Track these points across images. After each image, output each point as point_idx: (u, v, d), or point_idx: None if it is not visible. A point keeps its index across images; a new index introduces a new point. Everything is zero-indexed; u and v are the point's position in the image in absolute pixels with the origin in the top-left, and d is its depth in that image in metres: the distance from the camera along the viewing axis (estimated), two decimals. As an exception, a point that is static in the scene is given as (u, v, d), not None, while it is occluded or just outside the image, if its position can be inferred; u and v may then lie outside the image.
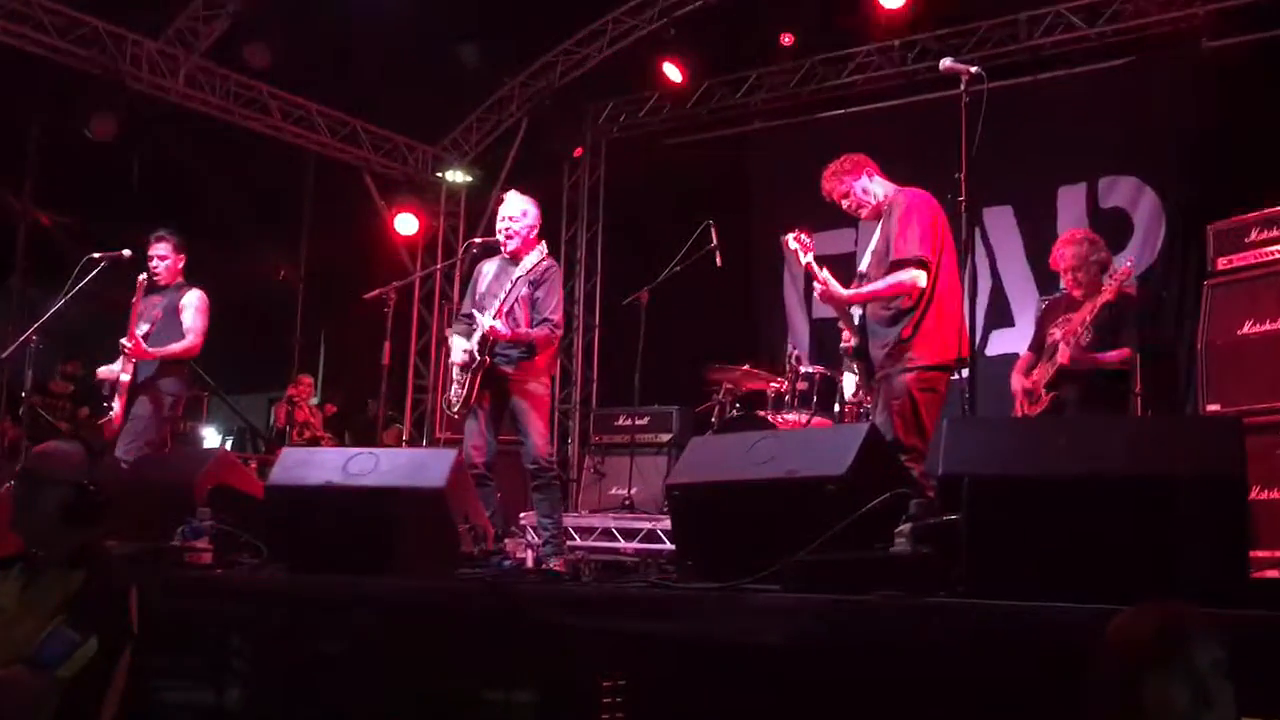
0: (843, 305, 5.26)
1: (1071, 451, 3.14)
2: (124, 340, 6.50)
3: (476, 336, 5.83)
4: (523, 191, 6.20)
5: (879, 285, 5.08)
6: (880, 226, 5.26)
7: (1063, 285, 6.04)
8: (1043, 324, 6.05)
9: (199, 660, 4.62)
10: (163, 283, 6.81)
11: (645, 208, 10.81)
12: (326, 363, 14.97)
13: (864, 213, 5.34)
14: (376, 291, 6.55)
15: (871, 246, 5.33)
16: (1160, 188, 8.73)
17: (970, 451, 3.29)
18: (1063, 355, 5.58)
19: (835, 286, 5.18)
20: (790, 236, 5.34)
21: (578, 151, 11.87)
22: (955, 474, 3.20)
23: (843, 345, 5.38)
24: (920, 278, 4.99)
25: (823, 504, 3.48)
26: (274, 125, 10.87)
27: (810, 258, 5.28)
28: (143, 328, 6.57)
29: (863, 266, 5.34)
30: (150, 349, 6.55)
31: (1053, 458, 3.16)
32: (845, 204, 5.34)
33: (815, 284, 5.24)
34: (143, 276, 6.69)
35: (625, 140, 11.72)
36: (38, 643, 2.92)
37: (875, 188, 5.29)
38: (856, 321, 5.28)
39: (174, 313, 6.74)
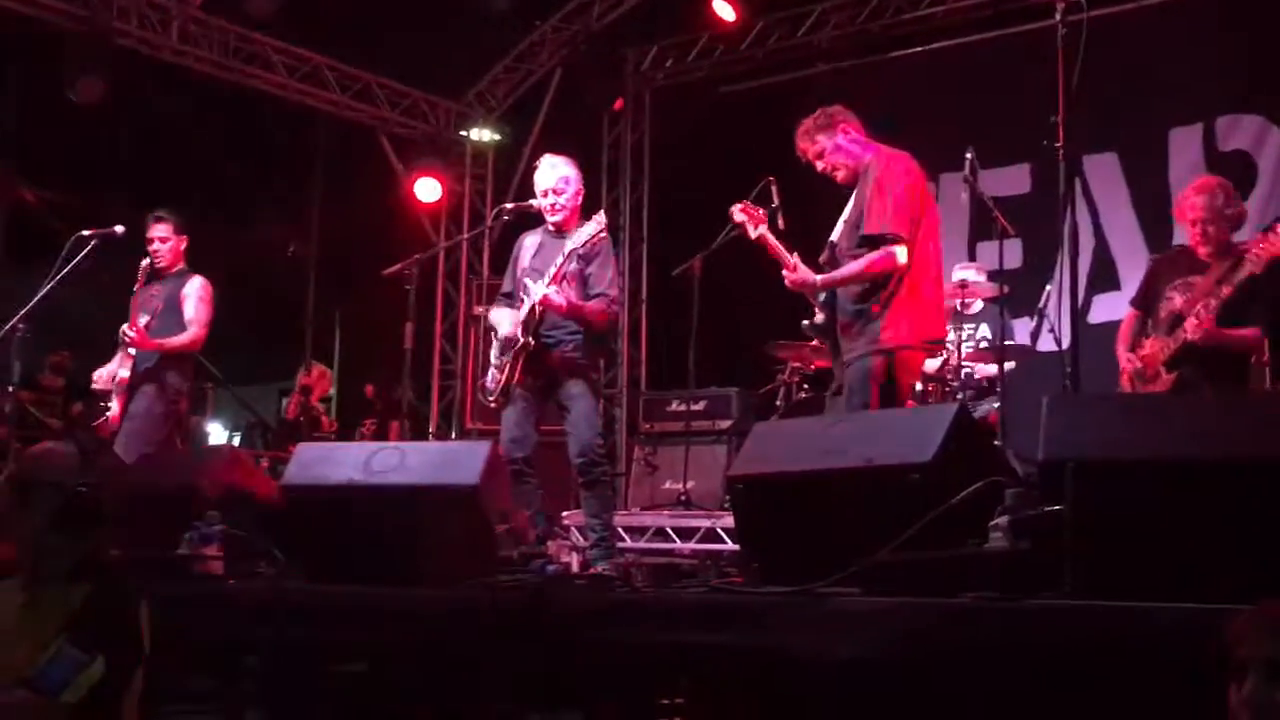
0: (813, 291, 5.32)
1: (1192, 432, 3.11)
2: (125, 328, 6.60)
3: (522, 313, 5.83)
4: (558, 152, 6.19)
5: (856, 267, 5.15)
6: (855, 193, 5.33)
7: (1185, 240, 5.85)
8: (1154, 282, 5.87)
9: (209, 682, 4.69)
10: (163, 266, 6.91)
11: (696, 165, 10.79)
12: (342, 348, 15.10)
13: (840, 175, 5.40)
14: (397, 267, 6.58)
15: (845, 215, 5.39)
16: (1289, 127, 8.59)
17: (1075, 433, 3.26)
18: (1192, 330, 5.41)
19: (806, 271, 5.26)
20: (736, 208, 5.39)
21: (618, 103, 11.85)
22: (1058, 459, 3.18)
23: (806, 322, 5.48)
24: (899, 254, 5.06)
25: (906, 496, 3.47)
26: (279, 83, 10.95)
27: (763, 230, 5.39)
28: (143, 319, 6.69)
29: (834, 235, 5.41)
30: (152, 339, 6.66)
31: (1170, 439, 3.13)
32: (820, 165, 5.42)
33: (784, 269, 5.31)
34: (146, 262, 6.79)
35: (672, 89, 11.69)
36: (39, 665, 2.96)
37: (853, 148, 5.36)
38: (823, 297, 5.35)
39: (175, 303, 6.86)
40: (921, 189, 5.24)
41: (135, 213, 7.04)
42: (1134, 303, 6.01)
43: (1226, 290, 5.37)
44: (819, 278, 5.27)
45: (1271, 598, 2.31)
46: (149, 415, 6.70)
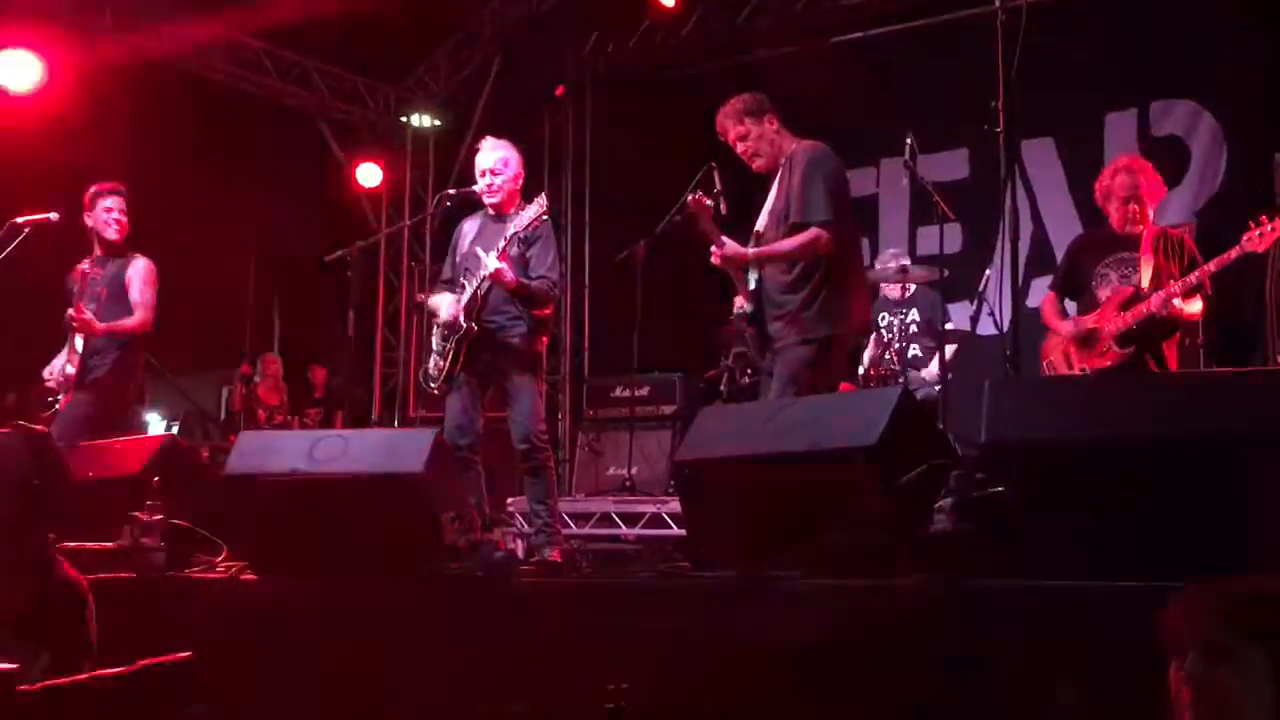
0: (743, 263, 5.34)
1: (1132, 413, 3.14)
2: (70, 312, 6.47)
3: (465, 298, 5.80)
4: (499, 136, 6.17)
5: (786, 244, 5.18)
6: (778, 182, 5.36)
7: (1110, 220, 5.84)
8: (1077, 262, 5.95)
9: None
10: (115, 240, 6.78)
11: (638, 151, 10.75)
12: (282, 336, 14.94)
13: (759, 162, 5.43)
14: (338, 254, 6.52)
15: (768, 205, 5.42)
16: (1220, 112, 8.70)
17: (1017, 415, 3.30)
18: (1158, 304, 5.40)
19: (735, 246, 5.29)
20: (690, 199, 5.40)
21: (559, 90, 11.79)
22: (1001, 441, 3.20)
23: (736, 311, 5.49)
24: (827, 241, 5.09)
25: (852, 479, 3.49)
26: (215, 67, 10.79)
27: (705, 217, 5.37)
28: (89, 307, 6.55)
29: (759, 226, 5.44)
30: (100, 325, 6.54)
31: (1111, 420, 3.16)
32: (740, 147, 5.42)
33: (714, 245, 5.31)
34: (84, 266, 6.65)
35: (613, 75, 11.65)
36: None
37: (777, 138, 5.38)
38: (752, 287, 5.37)
39: (120, 287, 6.72)
40: (845, 179, 5.29)
41: (69, 200, 6.89)
42: (1054, 285, 6.06)
43: (1213, 267, 5.35)
44: (750, 250, 5.29)
45: (1208, 576, 2.34)
46: (96, 407, 6.58)
